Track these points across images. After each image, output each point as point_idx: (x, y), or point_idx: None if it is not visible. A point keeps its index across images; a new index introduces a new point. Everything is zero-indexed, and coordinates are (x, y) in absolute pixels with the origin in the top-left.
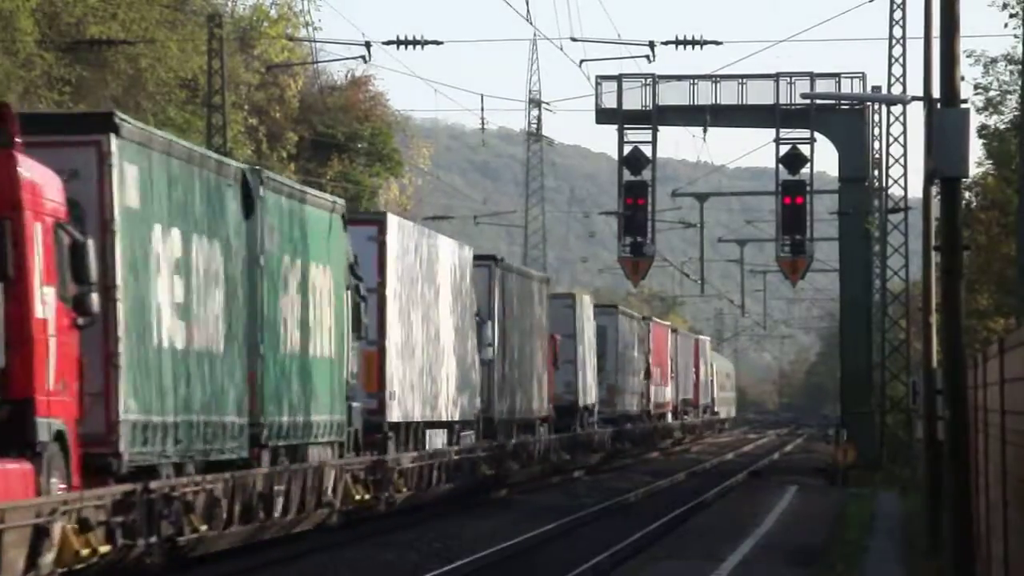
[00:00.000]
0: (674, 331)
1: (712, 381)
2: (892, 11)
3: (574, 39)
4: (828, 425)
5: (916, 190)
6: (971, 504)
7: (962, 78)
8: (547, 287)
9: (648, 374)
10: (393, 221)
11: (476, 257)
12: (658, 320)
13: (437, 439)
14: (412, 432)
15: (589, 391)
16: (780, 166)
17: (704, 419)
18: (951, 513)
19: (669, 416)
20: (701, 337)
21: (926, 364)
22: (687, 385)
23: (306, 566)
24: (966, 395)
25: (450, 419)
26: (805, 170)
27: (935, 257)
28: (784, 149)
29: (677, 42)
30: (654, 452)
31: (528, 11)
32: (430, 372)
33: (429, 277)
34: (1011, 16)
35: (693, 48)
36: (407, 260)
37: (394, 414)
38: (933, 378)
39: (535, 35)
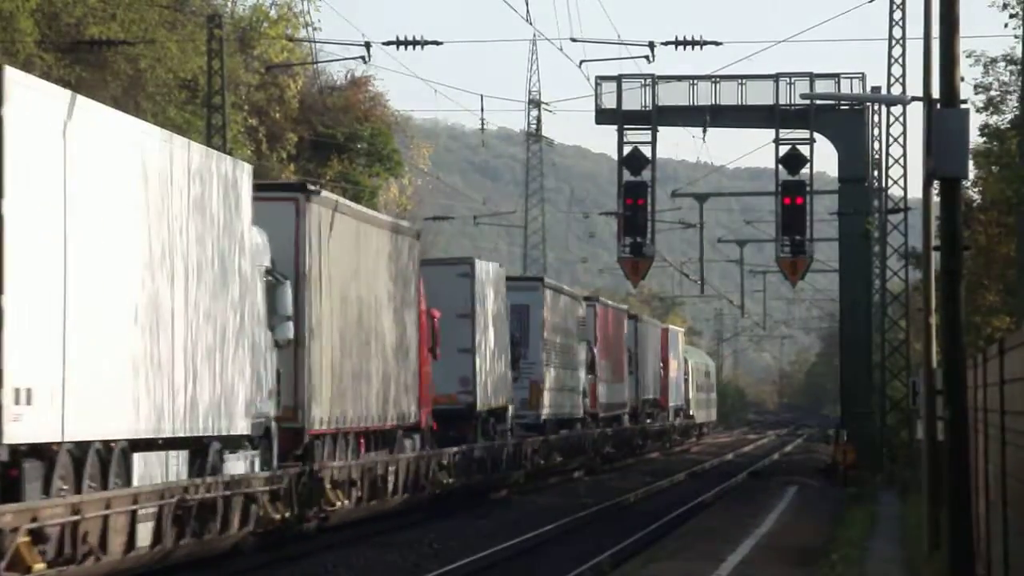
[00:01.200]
0: (633, 317)
1: (686, 379)
2: (892, 11)
3: (574, 39)
4: (828, 425)
5: (916, 190)
6: (971, 504)
7: (962, 78)
8: (418, 245)
9: (592, 368)
10: None
11: (272, 186)
12: (610, 302)
13: (154, 468)
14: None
15: (498, 390)
16: (780, 166)
17: (674, 424)
18: (951, 513)
19: (626, 420)
20: (672, 327)
21: (926, 364)
22: (651, 383)
23: (307, 566)
24: (966, 395)
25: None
26: (805, 170)
27: (935, 257)
28: (784, 149)
29: (677, 42)
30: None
31: (528, 11)
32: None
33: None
34: (1011, 16)
35: (693, 48)
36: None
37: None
38: (933, 378)
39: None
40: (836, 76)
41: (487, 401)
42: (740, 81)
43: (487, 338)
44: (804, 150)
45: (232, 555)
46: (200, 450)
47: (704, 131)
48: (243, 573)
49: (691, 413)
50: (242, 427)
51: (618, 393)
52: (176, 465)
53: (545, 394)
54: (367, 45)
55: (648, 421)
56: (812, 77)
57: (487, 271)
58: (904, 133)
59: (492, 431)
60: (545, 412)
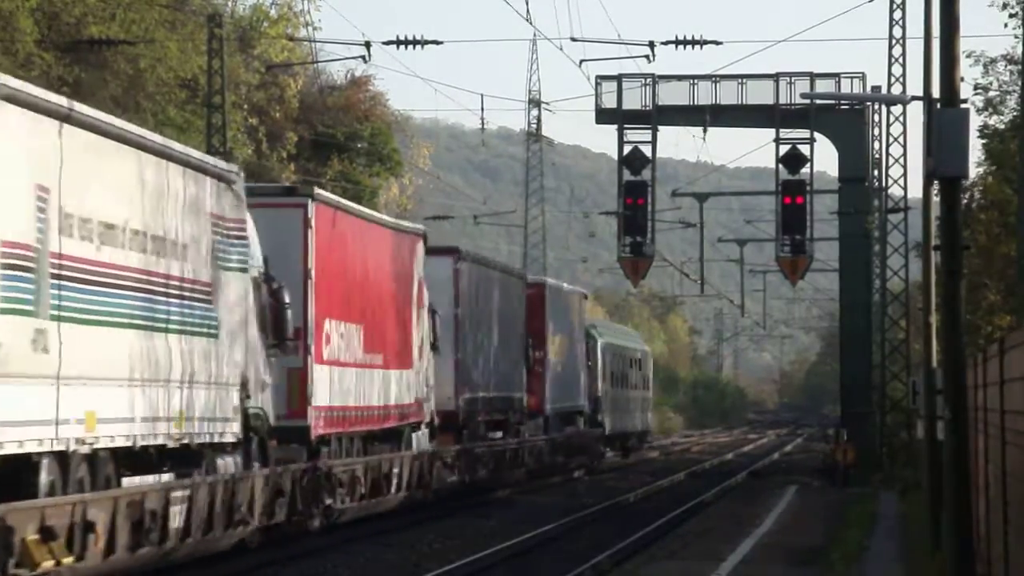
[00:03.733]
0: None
1: (590, 367)
2: (892, 11)
3: (574, 39)
4: (828, 425)
5: (916, 190)
6: (971, 504)
7: (962, 78)
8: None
9: (436, 347)
10: None
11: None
12: (372, 214)
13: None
14: None
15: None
16: (780, 166)
17: (550, 439)
18: (951, 513)
19: (421, 436)
20: (554, 283)
21: (926, 364)
22: (493, 371)
23: (307, 566)
24: (966, 395)
25: None
26: (805, 170)
27: (935, 257)
28: (784, 149)
29: (677, 42)
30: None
31: (528, 11)
32: None
33: None
34: (1011, 16)
35: (693, 48)
36: None
37: None
38: (933, 378)
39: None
40: (836, 76)
41: None
42: (740, 81)
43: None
44: (804, 150)
45: (234, 554)
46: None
47: (704, 131)
48: (243, 573)
49: (600, 419)
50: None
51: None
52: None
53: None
54: (367, 45)
55: (497, 435)
56: (812, 77)
57: None
58: (904, 133)
59: None
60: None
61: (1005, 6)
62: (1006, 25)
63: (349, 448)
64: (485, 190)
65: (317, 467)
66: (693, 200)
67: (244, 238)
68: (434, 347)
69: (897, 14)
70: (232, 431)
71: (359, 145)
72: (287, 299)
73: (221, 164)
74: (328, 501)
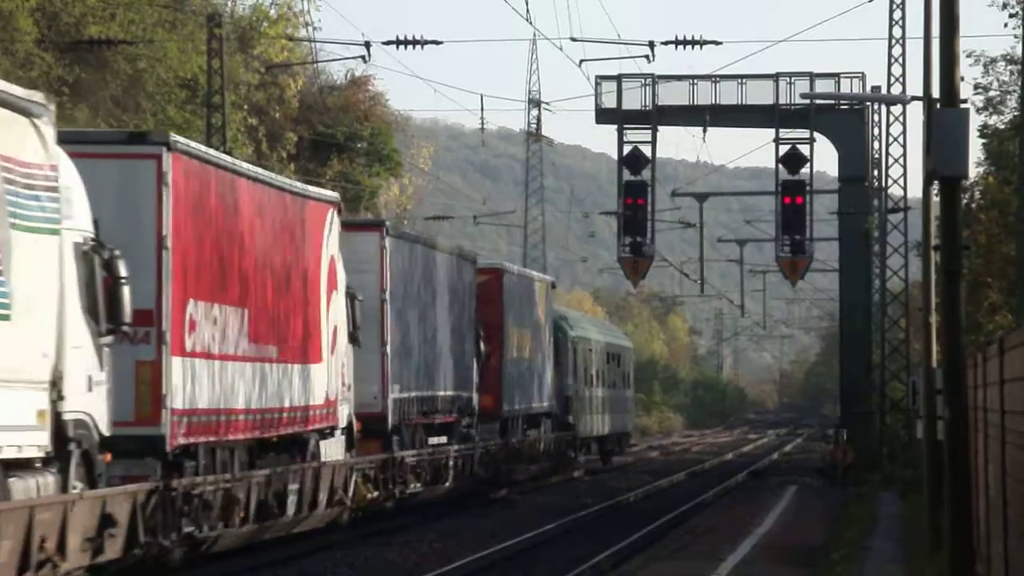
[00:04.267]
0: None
1: (559, 364)
2: (892, 11)
3: (574, 39)
4: (828, 425)
5: (916, 190)
6: (971, 504)
7: (962, 78)
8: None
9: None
10: None
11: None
12: (259, 172)
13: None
14: None
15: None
16: (780, 166)
17: (506, 441)
18: (951, 513)
19: (333, 444)
20: (511, 267)
21: (926, 364)
22: (433, 367)
23: (307, 566)
24: (966, 395)
25: None
26: (805, 170)
27: (935, 257)
28: (784, 149)
29: (677, 42)
30: None
31: (528, 11)
32: None
33: None
34: (1011, 16)
35: (693, 48)
36: None
37: None
38: (933, 378)
39: (535, 35)
40: (836, 76)
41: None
42: (740, 81)
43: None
44: (804, 150)
45: (231, 554)
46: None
47: (704, 131)
48: (244, 572)
49: (570, 420)
50: None
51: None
52: None
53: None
54: (367, 45)
55: (441, 441)
56: (812, 77)
57: None
58: (904, 133)
59: None
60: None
61: (1005, 6)
62: (1006, 25)
63: (228, 461)
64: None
65: (170, 487)
66: (693, 200)
67: (55, 191)
68: (353, 338)
69: (897, 14)
70: (36, 443)
71: (359, 145)
72: (123, 272)
73: (14, 90)
74: (189, 529)
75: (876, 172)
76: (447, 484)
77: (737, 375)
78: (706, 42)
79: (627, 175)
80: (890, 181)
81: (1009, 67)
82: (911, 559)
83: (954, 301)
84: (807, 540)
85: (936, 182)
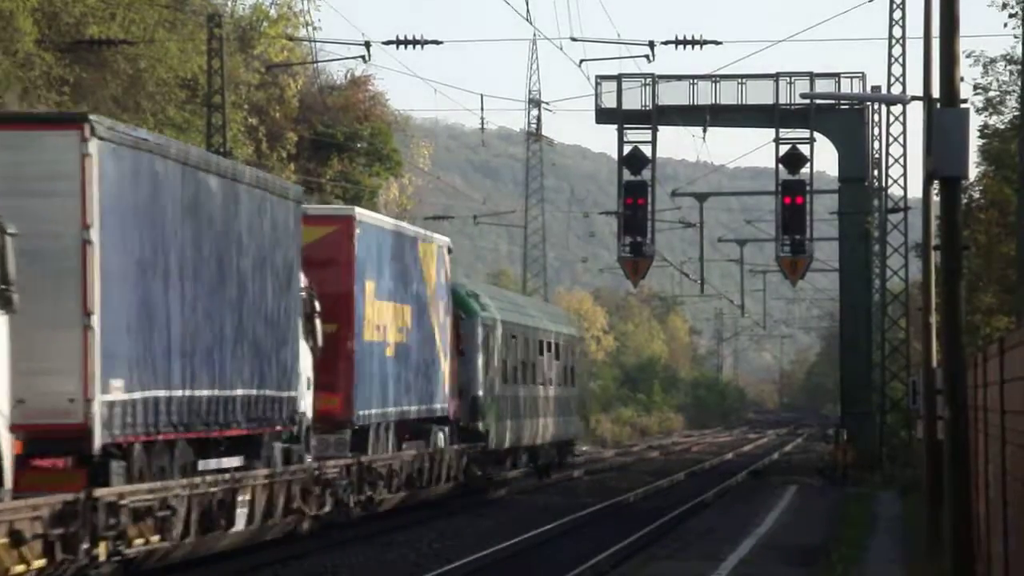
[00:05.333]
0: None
1: (463, 353)
2: (892, 11)
3: (574, 39)
4: (828, 425)
5: (916, 190)
6: (971, 504)
7: (962, 78)
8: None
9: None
10: None
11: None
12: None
13: None
14: None
15: None
16: (780, 166)
17: (338, 468)
18: (951, 513)
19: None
20: (371, 216)
21: (926, 364)
22: (209, 354)
23: (306, 566)
24: (966, 395)
25: None
26: (805, 170)
27: (935, 257)
28: (784, 149)
29: (677, 42)
30: None
31: (528, 11)
32: None
33: None
34: (1011, 16)
35: (693, 48)
36: None
37: None
38: (933, 378)
39: (535, 35)
40: (836, 76)
41: None
42: (740, 81)
43: None
44: (804, 150)
45: (234, 555)
46: None
47: (704, 131)
48: (243, 572)
49: (480, 428)
50: None
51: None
52: None
53: None
54: (367, 44)
55: (222, 464)
56: (812, 77)
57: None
58: (904, 133)
59: None
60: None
61: (1005, 6)
62: (1006, 25)
63: None
64: (485, 190)
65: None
66: (693, 200)
67: None
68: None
69: (897, 14)
70: None
71: (359, 145)
72: None
73: None
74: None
75: (876, 172)
76: (234, 530)
77: (737, 375)
78: (706, 42)
79: (627, 175)
80: (890, 181)
81: (1009, 67)
82: (911, 559)
83: (954, 301)
84: (807, 540)
85: (936, 182)
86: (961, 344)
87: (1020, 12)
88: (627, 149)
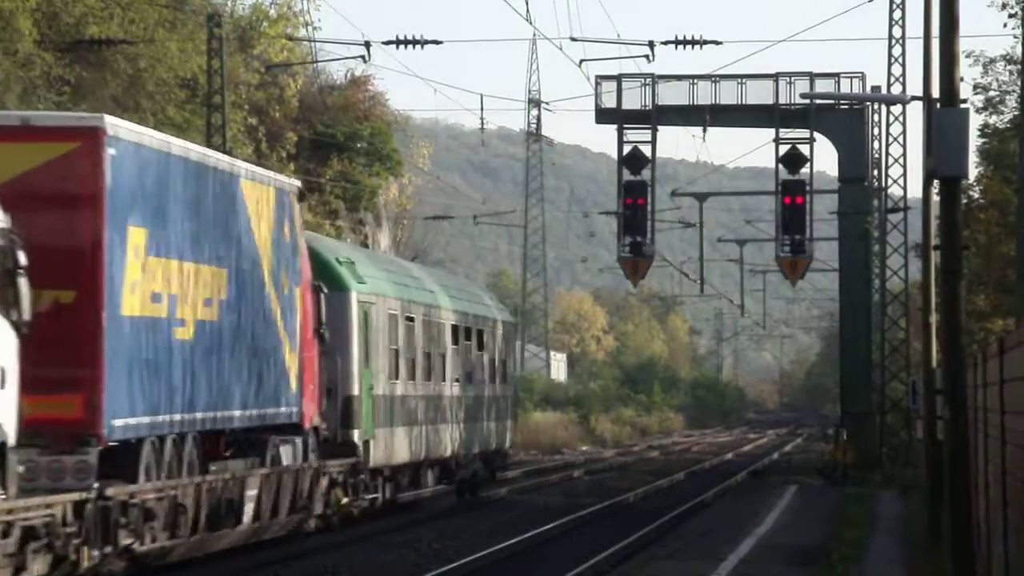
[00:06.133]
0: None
1: (323, 338)
2: (892, 11)
3: (574, 39)
4: (828, 425)
5: (916, 190)
6: (971, 504)
7: (962, 78)
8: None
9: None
10: None
11: None
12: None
13: None
14: None
15: None
16: (780, 166)
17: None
18: (951, 513)
19: None
20: (131, 128)
21: (926, 364)
22: None
23: (306, 566)
24: (966, 395)
25: None
26: (805, 170)
27: (935, 257)
28: (784, 149)
29: (677, 42)
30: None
31: (528, 11)
32: None
33: None
34: (1010, 16)
35: (693, 48)
36: None
37: None
38: (933, 378)
39: (535, 35)
40: (836, 76)
41: None
42: (740, 81)
43: None
44: (804, 149)
45: (233, 553)
46: None
47: (704, 130)
48: (243, 572)
49: (354, 438)
50: None
51: None
52: None
53: None
54: (367, 44)
55: None
56: (812, 76)
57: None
58: (904, 133)
59: None
60: None
61: (1005, 6)
62: (1005, 25)
63: None
64: (485, 190)
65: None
66: (693, 200)
67: None
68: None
69: (897, 14)
70: None
71: (359, 145)
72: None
73: None
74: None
75: (876, 172)
76: None
77: (737, 375)
78: (706, 42)
79: (627, 175)
80: (890, 181)
81: (1008, 67)
82: (911, 559)
83: (954, 301)
84: (807, 540)
85: (936, 182)
86: (961, 344)
87: (1020, 12)
88: (627, 149)
